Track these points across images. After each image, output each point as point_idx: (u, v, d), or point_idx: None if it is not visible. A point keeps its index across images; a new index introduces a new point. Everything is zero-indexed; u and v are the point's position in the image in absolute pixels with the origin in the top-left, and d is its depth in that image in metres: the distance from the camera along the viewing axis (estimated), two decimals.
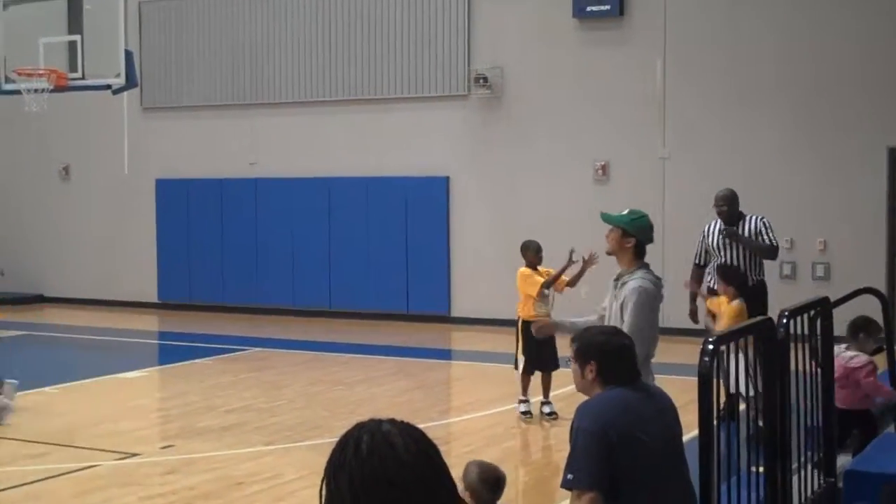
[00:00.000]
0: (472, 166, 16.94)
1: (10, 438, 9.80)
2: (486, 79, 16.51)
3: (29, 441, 9.70)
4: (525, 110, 16.52)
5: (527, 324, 9.64)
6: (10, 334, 16.67)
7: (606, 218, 6.53)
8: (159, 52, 18.94)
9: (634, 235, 6.38)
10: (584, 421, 4.55)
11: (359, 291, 17.50)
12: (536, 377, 10.32)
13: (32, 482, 8.33)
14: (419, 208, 17.16)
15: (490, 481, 5.37)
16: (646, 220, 6.51)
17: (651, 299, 6.27)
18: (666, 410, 4.77)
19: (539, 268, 10.48)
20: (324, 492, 2.57)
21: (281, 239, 18.10)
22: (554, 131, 16.31)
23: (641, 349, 6.14)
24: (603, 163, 16.03)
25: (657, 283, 6.36)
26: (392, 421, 2.60)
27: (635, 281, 6.24)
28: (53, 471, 8.67)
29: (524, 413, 10.30)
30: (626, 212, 6.57)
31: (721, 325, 8.90)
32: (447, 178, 17.06)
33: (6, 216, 20.64)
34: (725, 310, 9.23)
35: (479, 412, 10.57)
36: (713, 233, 10.20)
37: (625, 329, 5.96)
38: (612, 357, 4.72)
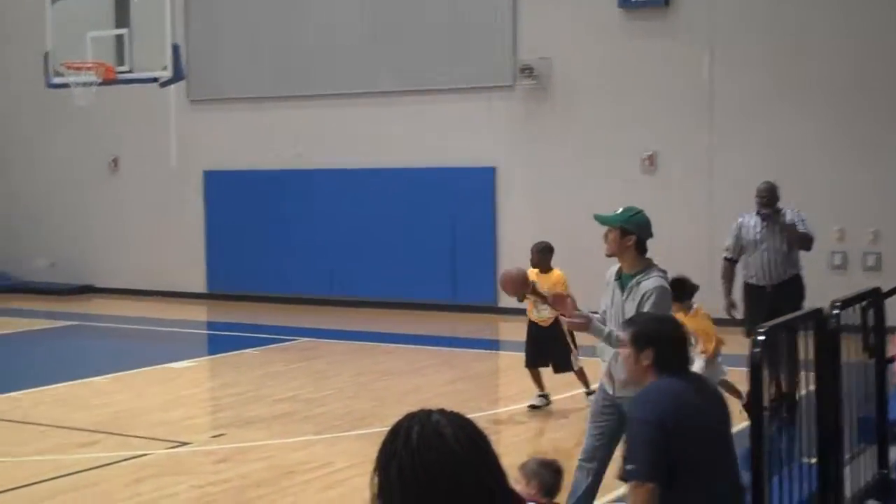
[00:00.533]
0: (517, 157, 16.92)
1: (62, 427, 9.92)
2: (531, 69, 16.49)
3: (81, 430, 9.82)
4: (571, 101, 16.48)
5: (530, 321, 10.47)
6: (61, 324, 16.88)
7: (601, 219, 6.41)
8: (206, 45, 19.04)
9: (633, 233, 6.27)
10: (640, 411, 4.56)
11: (405, 282, 17.53)
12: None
13: (85, 470, 8.44)
14: (465, 199, 17.17)
15: (551, 465, 5.41)
16: (642, 216, 6.39)
17: (669, 298, 6.27)
18: (715, 400, 4.77)
19: (551, 271, 10.29)
20: (375, 481, 2.59)
21: (327, 230, 18.16)
22: (600, 122, 16.26)
23: None
24: (650, 154, 15.97)
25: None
26: (442, 411, 2.62)
27: (653, 280, 6.17)
28: (105, 459, 8.78)
29: (529, 406, 10.41)
30: (620, 210, 6.45)
31: (705, 346, 8.60)
32: (493, 169, 17.06)
33: (57, 208, 20.85)
34: (692, 324, 8.39)
35: (526, 403, 10.57)
36: (749, 226, 10.02)
37: None
38: (670, 345, 4.72)
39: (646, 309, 6.05)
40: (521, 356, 10.60)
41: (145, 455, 8.96)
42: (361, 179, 17.89)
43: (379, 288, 17.77)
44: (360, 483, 7.92)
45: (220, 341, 16.04)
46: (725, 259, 10.25)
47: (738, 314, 10.09)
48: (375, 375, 12.40)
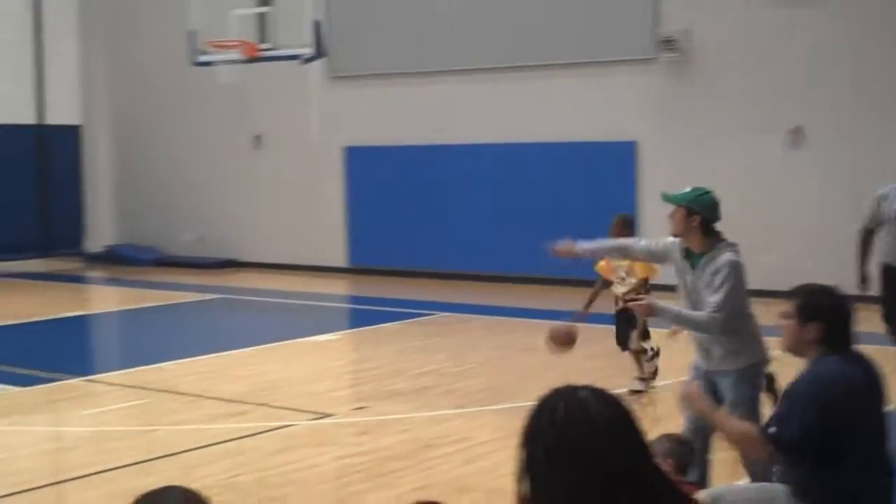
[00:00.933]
0: (659, 132, 16.70)
1: (210, 398, 10.17)
2: (673, 41, 16.23)
3: (228, 400, 10.05)
4: (714, 74, 16.19)
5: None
6: (207, 297, 17.28)
7: (667, 197, 6.33)
8: (347, 22, 19.20)
9: (699, 213, 6.18)
10: (801, 384, 4.47)
11: (543, 256, 17.41)
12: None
13: (233, 439, 8.65)
14: (605, 173, 17.03)
15: (685, 442, 5.35)
16: (710, 197, 6.30)
17: (743, 274, 6.14)
18: (876, 380, 4.64)
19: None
20: (520, 457, 2.59)
21: (466, 204, 18.22)
22: (745, 96, 15.92)
23: (743, 324, 6.05)
24: (795, 127, 15.60)
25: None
26: (587, 387, 2.62)
27: (725, 255, 6.08)
28: (252, 429, 8.98)
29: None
30: (688, 189, 6.37)
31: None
32: (634, 143, 16.88)
33: (202, 185, 21.33)
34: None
35: (670, 380, 10.45)
36: (892, 198, 9.33)
37: (720, 304, 5.91)
38: (841, 320, 4.58)
39: (717, 285, 5.98)
40: (662, 333, 10.45)
41: (290, 426, 9.13)
42: (500, 154, 17.88)
43: (517, 263, 17.73)
44: (499, 458, 7.95)
45: (361, 315, 16.23)
46: (862, 230, 9.65)
47: (872, 290, 9.62)
48: (515, 351, 12.40)
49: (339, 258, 19.73)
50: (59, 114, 21.94)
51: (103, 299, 19.32)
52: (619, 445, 2.54)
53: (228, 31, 17.61)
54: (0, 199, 20.89)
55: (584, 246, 7.01)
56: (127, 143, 22.40)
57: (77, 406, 10.20)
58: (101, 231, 22.41)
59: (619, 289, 10.18)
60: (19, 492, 7.53)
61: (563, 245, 7.11)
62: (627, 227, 10.13)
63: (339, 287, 18.82)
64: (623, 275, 10.07)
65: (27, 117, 21.56)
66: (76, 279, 20.29)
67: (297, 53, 17.29)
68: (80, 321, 16.09)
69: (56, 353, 13.49)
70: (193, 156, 21.42)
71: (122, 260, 21.44)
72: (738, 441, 4.82)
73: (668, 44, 16.26)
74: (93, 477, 7.89)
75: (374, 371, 11.42)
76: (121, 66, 22.26)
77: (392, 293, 17.18)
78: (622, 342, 10.39)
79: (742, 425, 4.84)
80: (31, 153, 21.66)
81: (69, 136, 22.18)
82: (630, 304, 6.32)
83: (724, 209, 6.45)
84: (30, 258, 21.32)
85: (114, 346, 15.17)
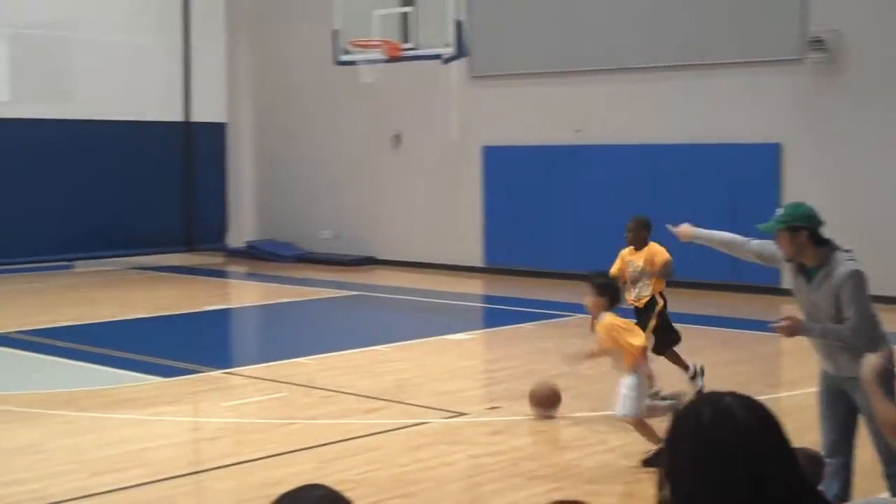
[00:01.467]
0: (805, 134, 16.30)
1: (346, 393, 10.25)
2: (822, 41, 15.82)
3: (364, 396, 10.12)
4: (864, 75, 15.73)
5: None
6: (345, 294, 17.46)
7: (765, 228, 6.14)
8: (488, 21, 19.20)
9: (803, 227, 5.95)
10: None
11: (684, 260, 17.11)
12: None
13: (368, 435, 8.69)
14: (747, 176, 16.69)
15: (814, 457, 5.19)
16: (805, 208, 6.09)
17: (865, 280, 5.91)
18: None
19: (646, 246, 9.96)
20: (664, 461, 2.56)
21: (604, 205, 18.02)
22: (894, 99, 15.45)
23: (874, 331, 5.80)
24: None
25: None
26: (733, 394, 2.58)
27: (843, 266, 5.84)
28: (386, 425, 9.01)
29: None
30: (779, 211, 6.18)
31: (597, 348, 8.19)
32: (778, 145, 16.50)
33: (342, 182, 21.57)
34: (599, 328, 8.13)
35: (810, 388, 10.17)
36: None
37: (857, 317, 5.71)
38: None
39: (847, 298, 5.79)
40: (805, 340, 10.11)
41: (424, 423, 9.14)
42: (640, 155, 17.67)
43: None
44: (632, 462, 7.85)
45: (496, 315, 16.21)
46: None
47: None
48: (652, 355, 12.19)
49: (476, 257, 19.74)
50: (205, 112, 22.44)
51: (243, 294, 19.69)
52: (766, 451, 2.51)
53: (371, 30, 17.76)
54: (147, 194, 21.46)
55: (702, 232, 7.08)
56: (269, 140, 22.80)
57: (217, 398, 10.40)
58: (242, 227, 22.86)
59: (641, 293, 9.87)
60: (159, 480, 7.68)
61: (683, 228, 7.22)
62: (646, 229, 10.06)
63: (475, 286, 18.82)
64: (640, 278, 9.86)
65: (175, 115, 22.11)
66: (218, 273, 20.70)
67: (438, 53, 17.35)
68: (221, 315, 16.41)
69: (197, 345, 13.80)
70: (334, 154, 21.68)
71: (262, 255, 21.81)
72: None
73: (816, 44, 15.86)
74: (231, 468, 8.01)
75: (508, 371, 11.37)
76: (265, 65, 22.66)
77: (528, 294, 17.12)
78: (663, 345, 10.04)
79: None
80: (178, 150, 22.20)
81: (214, 134, 22.67)
82: (775, 326, 6.12)
83: (867, 215, 6.26)
84: (174, 252, 21.86)
85: (253, 340, 15.43)
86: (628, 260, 9.98)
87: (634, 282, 9.86)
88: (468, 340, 13.60)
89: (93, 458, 8.18)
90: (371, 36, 17.83)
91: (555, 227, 18.62)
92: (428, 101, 20.01)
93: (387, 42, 17.74)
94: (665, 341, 10.02)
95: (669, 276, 9.99)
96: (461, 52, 17.18)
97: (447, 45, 17.16)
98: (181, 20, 22.16)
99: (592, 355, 8.42)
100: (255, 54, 22.78)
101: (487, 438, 8.71)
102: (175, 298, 17.12)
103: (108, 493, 7.39)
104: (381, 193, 21.08)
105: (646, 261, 9.83)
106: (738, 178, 16.74)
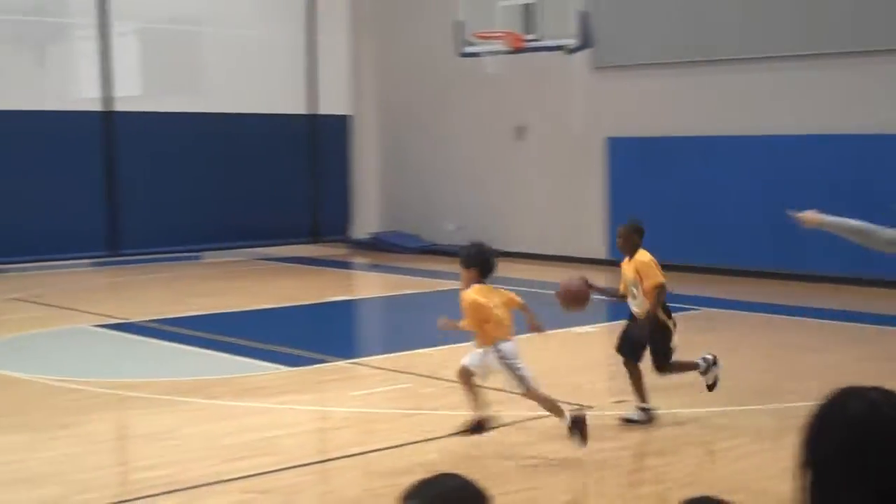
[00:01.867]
0: None
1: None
2: None
3: (489, 388, 10.06)
4: None
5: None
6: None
7: None
8: (613, 11, 19.01)
9: None
10: None
11: (814, 253, 16.82)
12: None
13: (494, 428, 8.63)
14: (881, 168, 16.23)
15: None
16: None
17: None
18: None
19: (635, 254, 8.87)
20: (803, 457, 2.50)
21: (733, 198, 17.74)
22: None
23: None
24: None
25: None
26: (877, 389, 2.51)
27: None
28: (512, 417, 8.96)
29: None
30: None
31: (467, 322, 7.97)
32: None
33: (465, 174, 21.60)
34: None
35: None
36: None
37: None
38: None
39: None
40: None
41: (550, 416, 9.06)
42: (770, 147, 17.32)
43: (788, 259, 17.16)
44: (766, 459, 7.69)
45: (621, 308, 15.97)
46: None
47: None
48: (785, 350, 11.98)
49: (600, 250, 19.58)
50: (330, 104, 22.67)
51: (367, 285, 19.85)
52: None
53: (494, 22, 17.74)
54: (273, 186, 21.77)
55: (830, 219, 6.83)
56: (393, 132, 22.92)
57: (343, 387, 10.48)
58: (366, 219, 23.04)
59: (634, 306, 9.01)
60: (288, 468, 7.77)
61: (809, 214, 6.98)
62: (638, 235, 9.09)
63: (599, 279, 18.45)
64: (634, 291, 8.91)
65: (300, 108, 22.37)
66: (342, 265, 20.90)
67: (562, 44, 17.26)
68: (346, 305, 16.55)
69: (323, 335, 13.94)
70: (457, 146, 21.71)
71: (386, 247, 21.95)
72: None
73: None
74: (357, 457, 8.06)
75: None
76: (389, 57, 22.79)
77: None
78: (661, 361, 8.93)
79: None
80: (303, 143, 22.47)
81: (339, 126, 22.89)
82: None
83: None
84: (299, 243, 22.13)
85: (378, 331, 15.53)
86: (623, 270, 9.01)
87: (632, 295, 8.91)
88: (593, 333, 13.49)
89: (223, 444, 8.31)
90: (494, 27, 17.82)
91: (681, 220, 18.36)
92: (551, 93, 19.91)
93: (510, 33, 17.71)
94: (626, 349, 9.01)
95: (661, 302, 8.80)
96: (586, 42, 17.06)
97: (571, 36, 17.06)
98: (305, 14, 22.41)
99: (459, 328, 8.17)
100: (379, 47, 22.92)
101: (614, 432, 8.61)
102: (300, 289, 17.33)
103: (239, 480, 7.49)
104: (504, 185, 21.04)
105: (636, 272, 8.80)
106: (871, 170, 16.29)
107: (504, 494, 7.04)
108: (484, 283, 8.14)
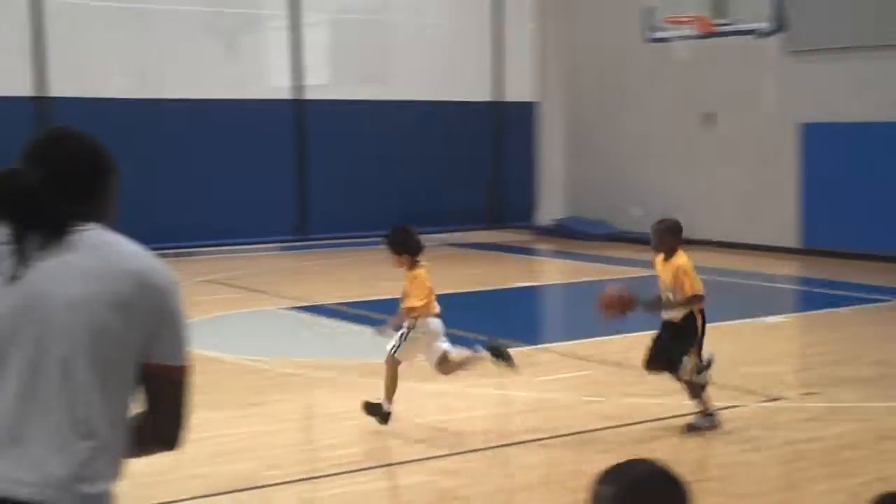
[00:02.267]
0: None
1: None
2: None
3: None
4: None
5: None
6: (651, 273, 17.22)
7: None
8: None
9: None
10: None
11: None
12: None
13: (678, 416, 8.50)
14: None
15: None
16: None
17: None
18: None
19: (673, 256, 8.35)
20: None
21: None
22: None
23: None
24: None
25: None
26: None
27: None
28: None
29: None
30: None
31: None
32: None
33: (652, 160, 21.31)
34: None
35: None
36: None
37: None
38: None
39: None
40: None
41: (738, 407, 8.89)
42: None
43: None
44: None
45: (814, 298, 15.58)
46: None
47: None
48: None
49: (791, 238, 19.06)
50: (516, 91, 22.68)
51: (551, 271, 19.78)
52: None
53: (684, 6, 17.44)
54: (457, 172, 21.91)
55: None
56: (579, 119, 22.78)
57: (526, 372, 10.44)
58: (551, 204, 22.98)
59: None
60: (469, 451, 7.81)
61: None
62: (672, 235, 8.52)
63: (790, 268, 18.16)
64: (671, 297, 8.31)
65: (485, 95, 22.45)
66: (526, 251, 20.88)
67: (753, 28, 16.85)
68: (529, 291, 16.54)
69: (507, 320, 13.96)
70: (644, 132, 21.43)
71: (570, 233, 21.84)
72: None
73: None
74: (540, 442, 8.05)
75: (825, 356, 10.92)
76: (576, 44, 22.64)
77: (847, 276, 16.35)
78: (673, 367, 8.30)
79: None
80: (489, 129, 22.54)
81: (524, 113, 22.88)
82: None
83: None
84: (483, 229, 22.23)
85: (561, 318, 15.47)
86: (658, 270, 8.48)
87: (667, 300, 8.35)
88: (783, 324, 13.16)
89: (405, 426, 8.41)
90: (684, 12, 17.53)
91: (877, 208, 17.71)
92: (741, 78, 19.45)
93: (699, 18, 17.39)
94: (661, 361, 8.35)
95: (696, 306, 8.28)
96: (780, 26, 16.62)
97: (763, 20, 16.64)
98: (491, 2, 22.46)
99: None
100: (565, 33, 22.78)
101: (804, 424, 8.38)
102: (486, 275, 17.40)
103: (420, 462, 7.57)
104: (692, 171, 20.68)
105: (674, 279, 8.25)
106: None
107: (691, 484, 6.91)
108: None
